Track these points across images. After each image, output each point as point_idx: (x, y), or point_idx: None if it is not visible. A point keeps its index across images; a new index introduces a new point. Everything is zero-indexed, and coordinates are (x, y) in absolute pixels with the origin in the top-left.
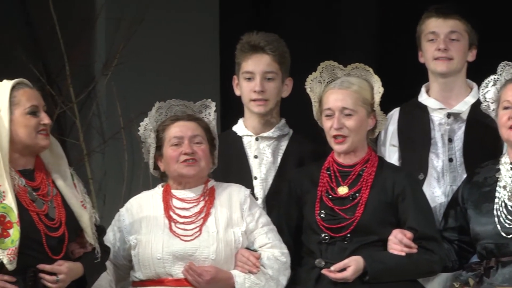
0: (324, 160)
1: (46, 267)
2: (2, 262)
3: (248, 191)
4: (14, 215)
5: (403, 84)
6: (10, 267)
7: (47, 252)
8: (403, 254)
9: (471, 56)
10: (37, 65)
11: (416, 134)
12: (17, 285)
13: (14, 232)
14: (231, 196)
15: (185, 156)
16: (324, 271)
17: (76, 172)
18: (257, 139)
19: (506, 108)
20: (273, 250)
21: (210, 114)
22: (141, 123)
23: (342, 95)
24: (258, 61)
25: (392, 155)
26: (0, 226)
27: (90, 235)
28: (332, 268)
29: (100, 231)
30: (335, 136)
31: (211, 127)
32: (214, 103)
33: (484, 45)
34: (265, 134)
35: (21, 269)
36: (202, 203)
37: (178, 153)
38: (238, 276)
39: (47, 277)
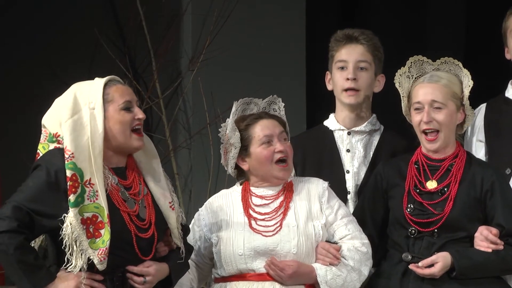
0: (412, 154)
1: (135, 269)
2: (92, 262)
3: (326, 183)
4: (105, 216)
5: (490, 79)
6: (100, 267)
7: (137, 253)
8: (490, 250)
9: None
10: (123, 61)
11: (503, 129)
12: (104, 283)
13: (105, 233)
14: (309, 189)
15: (279, 154)
16: (411, 266)
17: (162, 168)
18: (349, 133)
19: None
20: (353, 241)
21: (277, 110)
22: (222, 124)
23: (431, 89)
24: (352, 50)
25: (478, 151)
26: (92, 226)
27: (176, 236)
28: (420, 264)
29: (185, 230)
30: (425, 132)
31: (286, 123)
32: (280, 99)
33: None
34: (357, 129)
35: (109, 268)
36: (281, 198)
37: (271, 151)
38: (319, 269)
39: (135, 278)
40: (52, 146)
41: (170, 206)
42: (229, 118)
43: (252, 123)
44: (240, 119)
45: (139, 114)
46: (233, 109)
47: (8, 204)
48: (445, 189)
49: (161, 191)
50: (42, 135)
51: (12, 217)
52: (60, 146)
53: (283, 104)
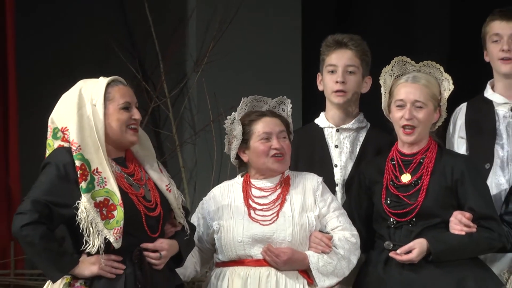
0: (389, 152)
1: (150, 245)
2: (108, 242)
3: (320, 178)
4: (116, 198)
5: (471, 80)
6: (116, 245)
7: (147, 231)
8: (463, 233)
9: None
10: (133, 63)
11: (483, 127)
12: (123, 263)
13: (118, 213)
14: (305, 184)
15: (274, 150)
16: (391, 254)
17: (169, 162)
18: (337, 130)
19: None
20: (344, 232)
21: (285, 110)
22: (228, 117)
23: (414, 89)
24: (341, 55)
25: (460, 147)
26: (105, 209)
27: (179, 215)
28: (398, 251)
29: (186, 211)
30: (404, 127)
31: (290, 122)
32: (289, 100)
33: None
34: (345, 126)
35: (124, 248)
36: (278, 191)
37: (268, 147)
38: (312, 256)
39: (152, 254)
40: (56, 142)
41: (167, 189)
42: (233, 112)
43: (255, 119)
44: (246, 115)
45: (136, 115)
46: (241, 104)
47: (26, 200)
48: (418, 180)
49: (158, 176)
50: (48, 131)
51: (33, 210)
52: (63, 143)
53: (291, 106)
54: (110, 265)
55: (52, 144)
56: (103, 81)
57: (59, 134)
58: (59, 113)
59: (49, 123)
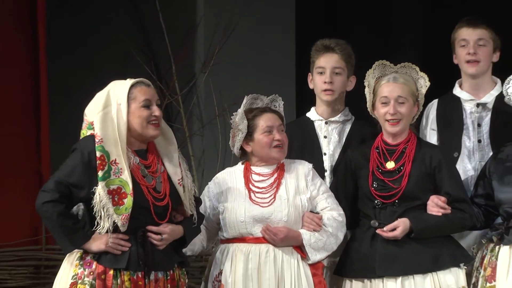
0: (374, 141)
1: (153, 228)
2: (116, 224)
3: (311, 165)
4: (128, 188)
5: (442, 79)
6: (122, 229)
7: (154, 218)
8: (440, 214)
9: (495, 57)
10: (149, 65)
11: (452, 120)
12: (129, 242)
13: (128, 201)
14: (297, 170)
15: (276, 142)
16: (378, 231)
17: (180, 151)
18: (326, 122)
19: None
20: (332, 212)
21: (277, 106)
22: (234, 113)
23: (396, 87)
24: (329, 58)
25: (432, 137)
26: (117, 196)
27: (187, 206)
28: (385, 228)
29: (198, 202)
30: (390, 121)
31: (284, 117)
32: (280, 98)
33: (506, 48)
34: (332, 119)
35: (133, 230)
36: (275, 176)
37: (271, 139)
38: (305, 234)
39: (154, 235)
40: (89, 132)
41: (179, 183)
42: (238, 109)
43: (258, 115)
44: (248, 111)
45: (156, 112)
46: (244, 101)
47: (51, 180)
48: (401, 167)
49: (174, 170)
50: (83, 123)
51: (55, 189)
52: (93, 133)
53: (283, 102)
54: (117, 242)
55: (86, 133)
56: (128, 83)
57: (91, 127)
58: (89, 109)
59: (84, 116)
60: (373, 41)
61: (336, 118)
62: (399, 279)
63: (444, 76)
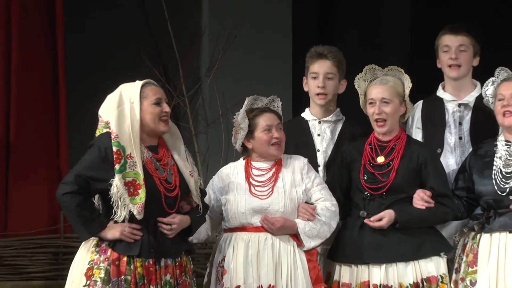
0: (368, 137)
1: (164, 219)
2: (132, 214)
3: (306, 160)
4: (142, 179)
5: (427, 82)
6: (138, 217)
7: (165, 208)
8: (424, 207)
9: (475, 62)
10: (158, 69)
11: (435, 119)
12: (141, 231)
13: (142, 192)
14: (294, 164)
15: (275, 139)
16: (365, 221)
17: (187, 148)
18: (319, 122)
19: (500, 100)
20: (325, 202)
21: (275, 106)
22: (236, 112)
23: (381, 89)
24: (322, 64)
25: (417, 135)
26: (132, 187)
27: (195, 196)
28: (372, 218)
29: (203, 193)
30: (376, 120)
31: (282, 117)
32: (279, 98)
33: (485, 53)
34: (325, 119)
35: (144, 220)
36: (273, 170)
37: (270, 137)
38: (300, 223)
39: (164, 226)
40: (105, 131)
41: (190, 174)
42: (240, 109)
43: (258, 114)
44: (249, 111)
45: (166, 108)
46: (245, 102)
47: (71, 173)
48: (390, 162)
49: (183, 163)
50: (99, 123)
51: (74, 182)
52: (109, 130)
53: (281, 103)
54: (130, 231)
55: (102, 132)
56: (139, 83)
57: (107, 126)
58: (103, 110)
59: (99, 117)
60: (362, 46)
61: (329, 118)
62: (383, 266)
63: (428, 79)
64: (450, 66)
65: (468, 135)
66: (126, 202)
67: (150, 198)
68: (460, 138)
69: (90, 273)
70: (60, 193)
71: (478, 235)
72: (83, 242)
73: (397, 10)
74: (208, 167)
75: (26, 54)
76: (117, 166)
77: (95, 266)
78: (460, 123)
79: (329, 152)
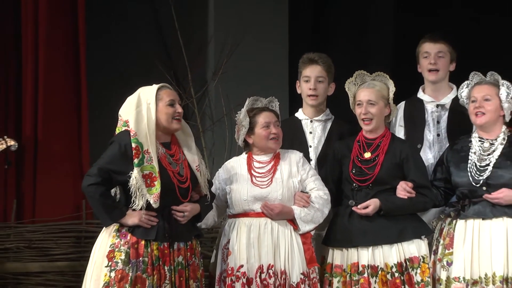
0: (357, 135)
1: (177, 208)
2: (148, 202)
3: (301, 154)
4: (157, 172)
5: (410, 85)
6: (155, 205)
7: (178, 197)
8: (406, 197)
9: (452, 67)
10: (170, 73)
11: (416, 118)
12: (157, 218)
13: (157, 184)
14: (290, 158)
15: (272, 135)
16: (353, 209)
17: (196, 144)
18: (311, 121)
19: (473, 101)
20: (318, 191)
21: (273, 106)
22: (238, 112)
23: (368, 92)
24: (313, 69)
25: (400, 132)
26: (149, 179)
27: (203, 187)
28: (359, 206)
29: (210, 184)
30: (363, 119)
31: (279, 115)
32: (276, 99)
33: (460, 59)
34: (317, 118)
35: (160, 208)
36: (272, 163)
37: (268, 133)
38: (296, 209)
39: (178, 213)
40: (123, 129)
41: (196, 168)
42: (242, 109)
43: (258, 113)
44: (250, 110)
45: (179, 109)
46: (246, 103)
47: (94, 166)
48: (376, 157)
49: (192, 158)
50: (119, 121)
51: (97, 174)
52: (127, 129)
53: (278, 103)
54: (148, 218)
55: (121, 130)
56: (155, 86)
57: (126, 124)
58: (123, 110)
59: (119, 116)
60: (350, 53)
61: (320, 117)
62: (370, 249)
63: (410, 82)
64: (429, 70)
65: (445, 132)
66: (144, 192)
67: (165, 189)
68: (438, 135)
69: (112, 255)
70: (85, 184)
71: (454, 221)
72: (104, 228)
73: (382, 21)
74: (214, 161)
75: (52, 60)
76: (135, 160)
77: (116, 249)
78: (438, 122)
79: (320, 148)
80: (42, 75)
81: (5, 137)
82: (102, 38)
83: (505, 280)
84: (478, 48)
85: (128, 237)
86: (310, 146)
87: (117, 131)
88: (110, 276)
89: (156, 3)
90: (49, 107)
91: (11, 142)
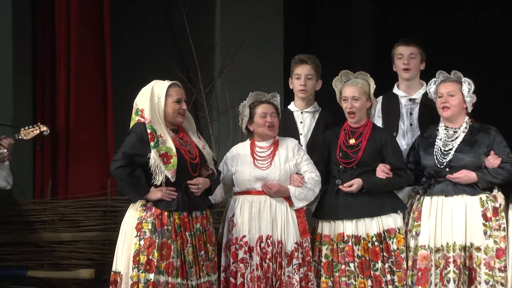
0: (343, 125)
1: (192, 182)
2: (167, 179)
3: (296, 141)
4: (172, 151)
5: (385, 82)
6: (172, 179)
7: (190, 172)
8: (384, 177)
9: (422, 66)
10: (182, 72)
11: (392, 110)
12: (176, 192)
13: (173, 161)
14: (287, 144)
15: (268, 123)
16: (340, 187)
17: (204, 132)
18: (302, 112)
19: (439, 97)
20: (311, 173)
21: (276, 100)
22: (240, 104)
23: (352, 89)
24: (303, 68)
25: (378, 122)
26: (165, 158)
27: (210, 163)
28: (345, 185)
29: (215, 162)
30: (349, 113)
31: (279, 108)
32: (278, 95)
33: (429, 60)
34: (306, 110)
35: (177, 183)
36: (272, 148)
37: (264, 121)
38: (291, 188)
39: (193, 186)
40: (136, 117)
41: (203, 147)
42: (244, 101)
43: (257, 105)
44: (252, 102)
45: (184, 106)
46: (248, 97)
47: (118, 152)
48: (359, 143)
49: (197, 140)
50: (133, 109)
51: (123, 158)
52: (140, 119)
53: (280, 98)
54: (168, 192)
55: (134, 118)
56: (167, 83)
57: (139, 112)
58: (139, 99)
59: (134, 104)
60: (336, 55)
61: (309, 109)
62: (354, 221)
63: (387, 80)
64: (403, 69)
65: (417, 122)
66: (162, 169)
67: (179, 165)
68: (411, 124)
69: (140, 227)
70: (113, 168)
71: (422, 198)
72: (131, 205)
73: (363, 28)
74: (220, 146)
75: (82, 63)
76: (152, 143)
77: (143, 221)
78: (410, 113)
79: (309, 135)
80: (73, 75)
81: (39, 123)
82: (125, 43)
83: (463, 248)
84: (445, 50)
85: (153, 210)
86: (301, 134)
87: (132, 117)
88: (139, 244)
89: (171, 13)
90: (79, 103)
91: (44, 128)
